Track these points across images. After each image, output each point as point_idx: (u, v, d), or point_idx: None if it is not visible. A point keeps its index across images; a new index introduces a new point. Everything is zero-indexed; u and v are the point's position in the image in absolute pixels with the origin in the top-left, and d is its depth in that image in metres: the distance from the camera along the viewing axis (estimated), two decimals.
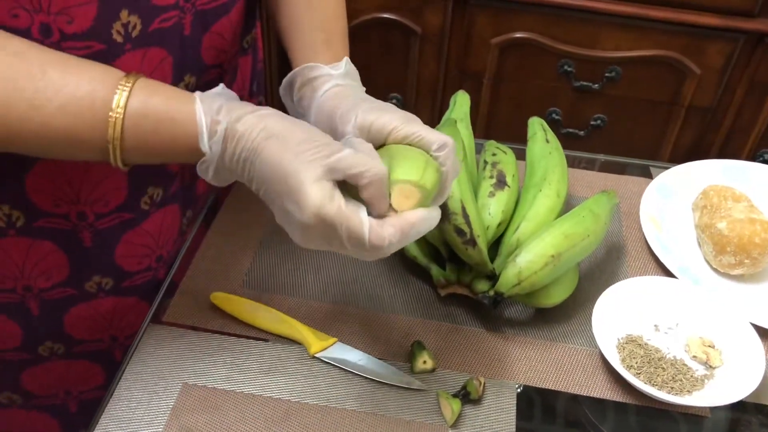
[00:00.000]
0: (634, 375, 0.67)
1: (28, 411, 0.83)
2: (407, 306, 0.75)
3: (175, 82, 0.68)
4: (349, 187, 0.53)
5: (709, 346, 0.71)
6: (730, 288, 0.80)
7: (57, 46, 0.57)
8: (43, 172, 0.65)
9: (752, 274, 0.80)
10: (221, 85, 0.59)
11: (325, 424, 0.64)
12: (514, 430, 0.64)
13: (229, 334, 0.71)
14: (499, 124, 1.57)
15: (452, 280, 0.74)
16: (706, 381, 0.68)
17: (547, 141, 0.84)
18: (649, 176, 0.95)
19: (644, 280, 0.75)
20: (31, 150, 0.55)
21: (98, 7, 0.57)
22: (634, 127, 1.53)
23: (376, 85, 1.57)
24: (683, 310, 0.73)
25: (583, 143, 1.54)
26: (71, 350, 0.79)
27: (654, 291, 0.74)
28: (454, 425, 0.64)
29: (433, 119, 1.60)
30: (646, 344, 0.70)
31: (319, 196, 0.51)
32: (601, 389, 0.68)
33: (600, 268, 0.81)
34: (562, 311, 0.75)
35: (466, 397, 0.65)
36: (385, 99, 1.57)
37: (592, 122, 1.53)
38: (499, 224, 0.74)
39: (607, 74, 1.45)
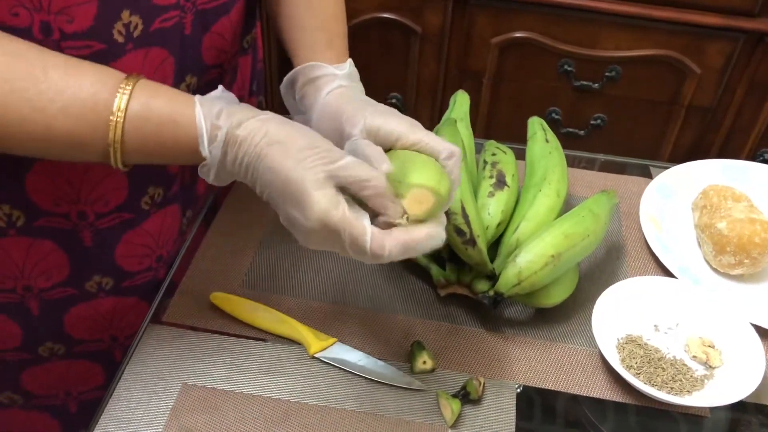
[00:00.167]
0: (634, 375, 0.67)
1: (28, 411, 0.83)
2: (407, 306, 0.75)
3: (177, 82, 0.68)
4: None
5: (709, 346, 0.71)
6: (730, 288, 0.80)
7: (57, 45, 0.57)
8: (43, 171, 0.65)
9: (752, 274, 0.80)
10: (220, 88, 0.59)
11: (325, 425, 0.64)
12: (514, 430, 0.64)
13: (229, 335, 0.71)
14: (498, 124, 1.57)
15: (452, 280, 0.74)
16: (706, 381, 0.68)
17: (547, 141, 0.84)
18: (649, 176, 0.95)
19: (644, 280, 0.75)
20: (31, 151, 0.55)
21: (98, 6, 0.57)
22: (634, 127, 1.53)
23: (376, 85, 1.56)
24: (683, 310, 0.73)
25: (583, 143, 1.54)
26: (71, 350, 0.79)
27: (654, 291, 0.74)
28: (454, 425, 0.64)
29: (433, 119, 1.60)
30: (645, 344, 0.70)
31: (323, 203, 0.52)
32: (600, 389, 0.68)
33: (600, 268, 0.81)
34: (562, 311, 0.75)
35: (466, 397, 0.65)
36: (385, 99, 1.58)
37: (592, 122, 1.53)
38: (499, 224, 0.74)
39: (607, 74, 1.45)
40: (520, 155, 0.86)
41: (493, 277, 0.71)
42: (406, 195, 0.54)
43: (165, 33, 0.64)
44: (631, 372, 0.67)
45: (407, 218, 0.54)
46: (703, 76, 1.42)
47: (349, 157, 0.54)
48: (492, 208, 0.75)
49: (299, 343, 0.70)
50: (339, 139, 0.61)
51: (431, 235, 0.54)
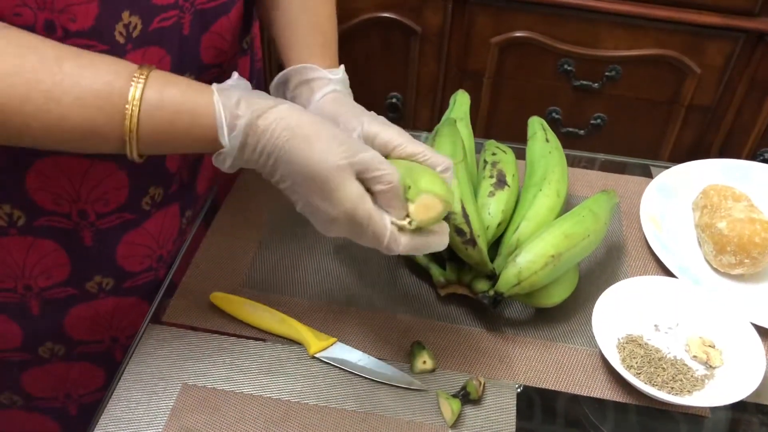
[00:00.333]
0: (634, 375, 0.67)
1: (28, 412, 0.83)
2: (407, 306, 0.75)
3: None
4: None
5: (710, 345, 0.71)
6: (731, 288, 0.80)
7: (61, 43, 0.57)
8: (44, 170, 0.65)
9: (752, 273, 0.80)
10: (235, 75, 0.60)
11: (325, 425, 0.64)
12: (514, 430, 0.64)
13: (229, 335, 0.71)
14: (499, 124, 1.57)
15: (452, 280, 0.74)
16: (706, 381, 0.68)
17: (547, 140, 0.84)
18: (650, 176, 0.94)
19: (644, 280, 0.75)
20: (47, 143, 0.55)
21: (99, 5, 0.57)
22: (634, 127, 1.53)
23: (376, 85, 1.56)
24: (683, 309, 0.73)
25: (583, 142, 1.54)
26: (72, 351, 0.79)
27: (654, 291, 0.74)
28: (454, 425, 0.64)
29: (432, 119, 1.60)
30: (646, 344, 0.70)
31: (353, 197, 0.54)
32: (601, 389, 0.68)
33: (600, 268, 0.81)
34: (562, 311, 0.75)
35: (466, 397, 0.65)
36: (384, 99, 1.58)
37: (592, 121, 1.53)
38: (499, 224, 0.74)
39: (607, 73, 1.45)
40: (521, 155, 0.86)
41: (493, 277, 0.71)
42: (414, 199, 0.55)
43: (163, 32, 0.64)
44: (631, 372, 0.67)
45: (410, 222, 0.56)
46: (703, 76, 1.42)
47: (371, 150, 0.56)
48: (492, 208, 0.75)
49: (299, 343, 0.70)
50: None
51: (440, 243, 0.58)
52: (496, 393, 0.67)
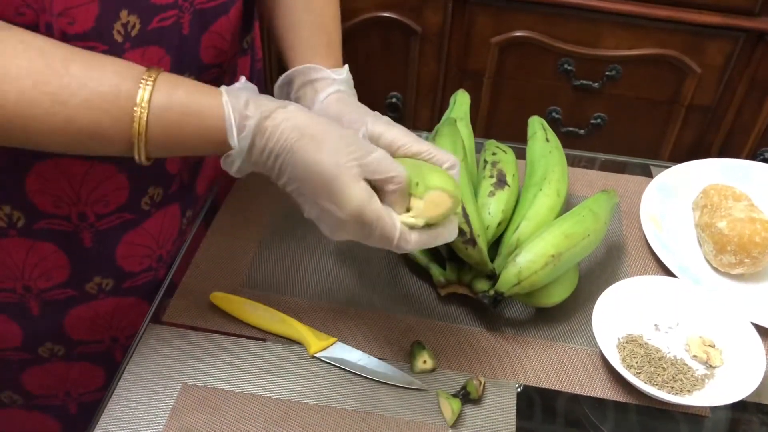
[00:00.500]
0: (635, 375, 0.67)
1: (28, 411, 0.83)
2: (407, 306, 0.75)
3: None
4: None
5: (710, 345, 0.71)
6: (731, 287, 0.80)
7: None
8: (43, 172, 0.65)
9: (752, 273, 0.80)
10: (243, 78, 0.60)
11: (325, 424, 0.64)
12: (514, 430, 0.64)
13: (229, 334, 0.71)
14: (499, 123, 1.57)
15: (452, 280, 0.74)
16: (706, 381, 0.68)
17: (547, 140, 0.84)
18: (650, 175, 0.94)
19: (644, 280, 0.74)
20: (54, 146, 0.55)
21: (99, 6, 0.57)
22: (635, 126, 1.53)
23: (376, 85, 1.56)
24: (683, 309, 0.73)
25: (584, 142, 1.54)
26: (72, 351, 0.79)
27: (654, 290, 0.74)
28: (454, 425, 0.64)
29: (433, 118, 1.60)
30: (646, 344, 0.70)
31: (360, 197, 0.54)
32: (601, 389, 0.68)
33: (600, 268, 0.81)
34: (562, 311, 0.75)
35: (466, 397, 0.65)
36: (385, 98, 1.58)
37: (592, 121, 1.53)
38: (499, 224, 0.74)
39: (607, 73, 1.45)
40: (521, 154, 0.86)
41: (493, 277, 0.71)
42: (423, 196, 0.55)
43: (163, 32, 0.64)
44: (631, 371, 0.67)
45: (419, 219, 0.56)
46: (704, 76, 1.42)
47: (380, 150, 0.56)
48: (492, 208, 0.75)
49: (299, 343, 0.70)
50: None
51: (447, 237, 0.58)
52: (496, 393, 0.67)
